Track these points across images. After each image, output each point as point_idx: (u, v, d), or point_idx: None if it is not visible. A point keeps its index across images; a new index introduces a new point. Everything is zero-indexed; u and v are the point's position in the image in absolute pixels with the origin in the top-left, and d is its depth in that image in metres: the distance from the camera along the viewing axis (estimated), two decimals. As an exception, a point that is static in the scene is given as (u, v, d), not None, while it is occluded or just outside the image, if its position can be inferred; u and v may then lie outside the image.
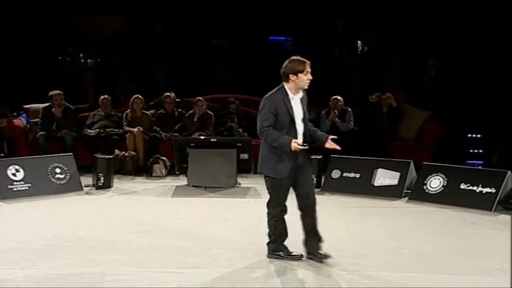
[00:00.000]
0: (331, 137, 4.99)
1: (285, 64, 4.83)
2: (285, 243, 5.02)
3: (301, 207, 4.93)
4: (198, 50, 12.62)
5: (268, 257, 5.01)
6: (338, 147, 4.94)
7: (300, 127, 4.84)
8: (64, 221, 6.39)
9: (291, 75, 4.78)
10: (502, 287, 4.43)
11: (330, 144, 4.94)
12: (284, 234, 5.01)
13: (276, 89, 4.86)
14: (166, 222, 6.38)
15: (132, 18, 12.15)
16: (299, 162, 4.83)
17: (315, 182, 5.09)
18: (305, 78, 4.79)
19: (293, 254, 4.98)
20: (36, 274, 4.64)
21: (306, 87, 4.84)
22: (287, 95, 4.80)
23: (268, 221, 4.98)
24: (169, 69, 12.22)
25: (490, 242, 5.74)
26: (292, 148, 4.65)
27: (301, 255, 4.98)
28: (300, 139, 4.81)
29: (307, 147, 4.77)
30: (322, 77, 11.08)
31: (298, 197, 4.92)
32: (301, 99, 4.87)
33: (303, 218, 4.94)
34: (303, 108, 4.87)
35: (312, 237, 4.94)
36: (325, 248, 5.01)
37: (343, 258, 5.09)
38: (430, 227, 6.30)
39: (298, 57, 4.84)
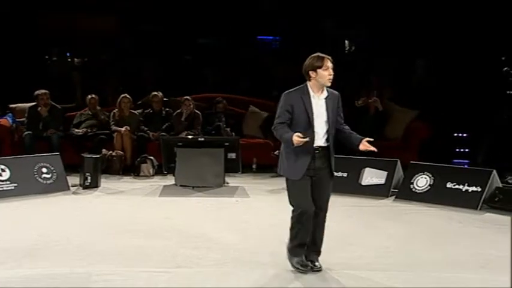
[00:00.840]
0: (367, 139, 4.63)
1: (305, 62, 4.60)
2: (302, 249, 4.70)
3: (314, 215, 4.67)
4: (186, 49, 12.60)
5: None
6: (374, 149, 4.60)
7: (320, 128, 4.54)
8: (51, 221, 6.34)
9: (310, 72, 4.54)
10: (487, 286, 4.46)
11: (364, 146, 4.59)
12: (303, 239, 4.68)
13: (299, 86, 4.62)
14: (153, 221, 6.35)
15: (120, 18, 12.09)
16: (317, 165, 4.57)
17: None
18: (325, 74, 4.53)
19: (302, 265, 4.67)
20: (22, 274, 4.59)
21: (329, 83, 4.57)
22: (308, 93, 4.56)
23: (291, 222, 4.71)
24: (157, 69, 12.16)
25: (476, 241, 5.77)
26: (294, 142, 4.38)
27: (304, 269, 4.68)
28: (320, 141, 4.56)
29: (307, 139, 4.42)
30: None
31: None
32: (327, 99, 4.58)
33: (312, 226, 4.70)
34: (327, 108, 4.57)
35: (311, 246, 4.74)
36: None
37: (331, 257, 5.09)
38: (417, 226, 6.33)
39: (318, 54, 4.59)
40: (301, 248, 4.70)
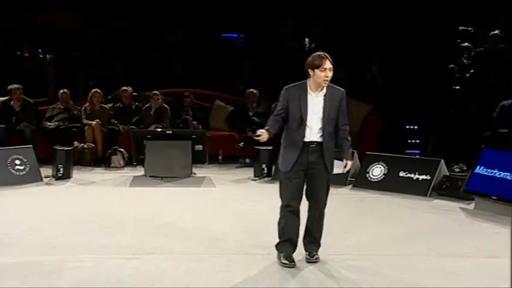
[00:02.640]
0: (350, 163, 4.67)
1: (308, 59, 4.48)
2: (286, 246, 4.53)
3: (308, 208, 4.60)
4: (154, 46, 12.48)
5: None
6: (344, 172, 4.72)
7: (314, 124, 4.40)
8: (24, 211, 6.23)
9: (309, 70, 4.40)
10: (435, 265, 4.56)
11: (349, 167, 4.69)
12: (285, 234, 4.53)
13: (300, 82, 4.49)
14: (124, 211, 6.29)
15: (88, 15, 11.89)
16: (310, 160, 4.42)
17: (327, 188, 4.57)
18: (321, 75, 4.35)
19: (286, 262, 4.48)
20: (-4, 263, 4.51)
21: (324, 84, 4.39)
22: (305, 90, 4.42)
23: (279, 216, 4.60)
24: (126, 65, 12.02)
25: (425, 225, 5.89)
26: (259, 137, 4.37)
27: (289, 266, 4.48)
28: (314, 137, 4.41)
29: (259, 137, 4.35)
30: (272, 72, 11.17)
31: (307, 197, 4.57)
32: (326, 97, 4.42)
33: (307, 218, 4.62)
34: (324, 106, 4.40)
35: (308, 237, 4.63)
36: (274, 233, 5.03)
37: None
38: (372, 212, 6.42)
39: (320, 53, 4.44)
40: (287, 243, 4.54)
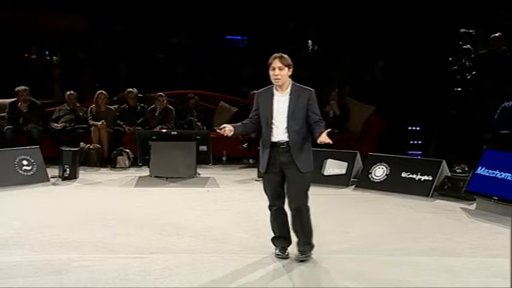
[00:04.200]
0: (327, 130, 4.41)
1: None
2: (280, 241, 4.65)
3: (289, 207, 4.58)
4: (159, 48, 12.51)
5: None
6: (330, 141, 4.34)
7: (280, 123, 4.42)
8: (31, 210, 6.25)
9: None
10: (437, 265, 4.57)
11: (321, 139, 4.34)
12: (276, 231, 4.64)
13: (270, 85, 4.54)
14: (129, 210, 6.31)
15: (94, 18, 11.93)
16: (281, 160, 4.43)
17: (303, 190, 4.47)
18: (271, 74, 4.44)
19: (279, 254, 4.62)
20: (3, 261, 4.53)
21: (276, 83, 4.44)
22: (272, 91, 4.50)
23: None
24: (131, 67, 12.05)
25: (427, 225, 5.88)
26: (222, 130, 4.47)
27: (281, 256, 4.61)
28: (281, 136, 4.43)
29: (220, 130, 4.45)
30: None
31: (286, 197, 4.55)
32: (292, 95, 4.43)
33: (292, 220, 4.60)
34: (290, 105, 4.42)
35: (297, 236, 4.63)
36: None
37: (293, 242, 5.14)
38: (375, 212, 6.42)
39: (276, 53, 4.47)
40: (278, 239, 4.66)
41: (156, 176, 8.07)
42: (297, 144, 4.45)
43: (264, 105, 4.51)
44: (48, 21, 11.59)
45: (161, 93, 9.78)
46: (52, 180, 7.83)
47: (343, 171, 7.87)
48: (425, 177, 7.25)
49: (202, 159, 8.30)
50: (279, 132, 4.46)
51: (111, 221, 5.77)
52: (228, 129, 4.48)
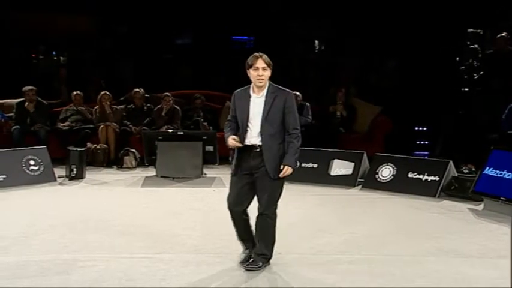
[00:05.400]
0: (286, 168, 4.21)
1: None
2: (243, 244, 4.52)
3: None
4: (165, 49, 12.53)
5: None
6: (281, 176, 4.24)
7: (254, 126, 4.23)
8: (38, 210, 6.25)
9: (247, 71, 4.27)
10: (444, 265, 4.53)
11: (282, 174, 4.23)
12: (238, 235, 4.50)
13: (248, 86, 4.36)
14: (135, 210, 6.31)
15: (100, 18, 11.95)
16: (252, 164, 4.25)
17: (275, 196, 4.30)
18: (254, 74, 4.21)
19: (241, 260, 4.47)
20: (10, 260, 4.54)
21: (258, 84, 4.23)
22: (249, 92, 4.30)
23: None
24: (138, 67, 12.07)
25: (433, 225, 5.85)
26: (229, 144, 4.27)
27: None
28: (254, 140, 4.25)
29: (240, 145, 4.25)
30: (282, 74, 11.17)
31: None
32: (268, 97, 4.23)
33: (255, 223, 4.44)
34: (265, 107, 4.21)
35: (257, 244, 4.44)
36: (285, 233, 5.03)
37: (302, 242, 5.13)
38: (381, 213, 6.39)
39: (256, 53, 4.27)
40: (242, 243, 4.52)
41: (162, 176, 8.07)
42: (270, 148, 4.23)
43: (240, 107, 4.32)
44: (55, 21, 11.62)
45: (168, 94, 9.78)
46: (59, 180, 7.84)
47: (350, 172, 7.84)
48: (432, 178, 7.21)
49: (209, 159, 8.29)
50: (253, 136, 4.25)
51: (117, 221, 5.77)
52: (237, 142, 4.28)
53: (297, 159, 4.33)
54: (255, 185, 4.30)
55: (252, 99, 4.29)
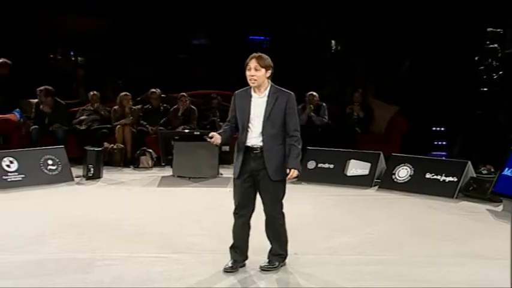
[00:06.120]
0: (292, 171, 4.19)
1: None
2: (233, 252, 4.42)
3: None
4: (181, 49, 12.58)
5: None
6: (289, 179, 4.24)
7: (255, 127, 4.21)
8: (56, 209, 6.33)
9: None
10: (462, 267, 4.50)
11: (290, 177, 4.22)
12: (234, 241, 4.41)
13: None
14: (152, 210, 6.35)
15: (117, 18, 12.03)
16: (253, 166, 4.22)
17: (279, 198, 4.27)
18: (247, 74, 4.21)
19: (227, 267, 4.36)
20: (29, 259, 4.59)
21: (252, 84, 4.22)
22: (250, 92, 4.28)
23: None
24: (154, 67, 12.13)
25: (451, 226, 5.81)
26: (208, 137, 4.24)
27: (228, 270, 4.34)
28: (254, 141, 4.22)
29: (209, 140, 4.22)
30: (299, 74, 11.16)
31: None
32: (270, 98, 4.21)
33: (265, 225, 4.43)
34: (266, 107, 4.19)
35: (270, 244, 4.45)
36: (301, 233, 5.03)
37: (319, 242, 5.12)
38: (398, 214, 6.36)
39: (255, 53, 4.25)
40: (232, 250, 4.43)
41: (178, 176, 8.11)
42: (270, 150, 4.21)
43: (241, 107, 4.29)
44: (73, 22, 11.72)
45: (184, 94, 9.82)
46: (76, 179, 7.92)
47: (366, 172, 7.82)
48: (450, 178, 7.16)
49: (225, 159, 8.32)
50: (253, 136, 4.23)
51: (134, 221, 5.81)
52: (218, 139, 4.26)
53: (300, 162, 4.31)
54: (258, 187, 4.29)
55: (253, 99, 4.28)
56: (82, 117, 9.62)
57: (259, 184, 4.27)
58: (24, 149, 8.02)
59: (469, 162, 7.21)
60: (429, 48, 10.23)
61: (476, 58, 8.88)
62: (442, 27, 9.94)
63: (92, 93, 9.82)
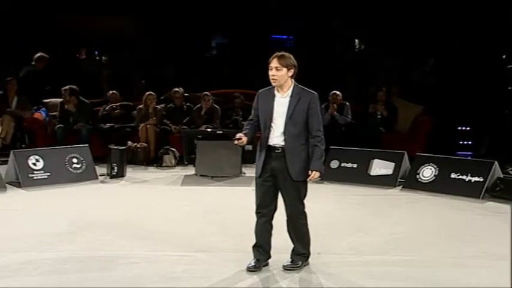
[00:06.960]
0: (313, 173, 4.21)
1: None
2: (256, 251, 4.43)
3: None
4: (205, 48, 12.64)
5: None
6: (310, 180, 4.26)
7: (278, 127, 4.22)
8: (81, 207, 6.41)
9: None
10: (490, 268, 4.45)
11: (311, 178, 4.24)
12: (257, 240, 4.42)
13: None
14: (175, 209, 6.40)
15: (141, 18, 12.14)
16: (274, 166, 4.24)
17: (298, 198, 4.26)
18: (269, 73, 4.22)
19: (249, 266, 4.38)
20: (55, 256, 4.67)
21: (273, 84, 4.23)
22: (273, 92, 4.29)
23: None
24: (177, 66, 12.21)
25: (477, 227, 5.75)
26: (235, 139, 4.25)
27: (251, 269, 4.36)
28: (276, 140, 4.23)
29: (235, 143, 4.24)
30: (321, 73, 11.11)
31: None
32: (293, 98, 4.21)
33: (287, 225, 4.44)
34: (289, 107, 4.20)
35: (293, 244, 4.46)
36: (324, 233, 5.02)
37: (342, 242, 5.11)
38: (422, 214, 6.31)
39: (278, 52, 4.26)
40: (256, 249, 4.44)
41: (201, 175, 8.15)
42: (292, 149, 4.21)
43: (264, 106, 4.29)
44: (97, 22, 11.85)
45: (207, 93, 9.86)
46: (100, 178, 8.01)
47: (390, 172, 7.76)
48: (476, 179, 7.07)
49: (248, 159, 8.31)
50: (276, 136, 4.24)
51: (158, 219, 5.87)
52: (244, 139, 4.25)
53: (323, 163, 4.31)
54: (279, 186, 4.30)
55: (276, 99, 4.27)
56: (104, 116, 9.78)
57: (280, 184, 4.28)
58: (49, 148, 8.14)
59: (496, 162, 7.11)
60: (455, 46, 10.11)
61: (503, 56, 8.74)
62: (468, 24, 9.81)
63: (110, 92, 10.00)
